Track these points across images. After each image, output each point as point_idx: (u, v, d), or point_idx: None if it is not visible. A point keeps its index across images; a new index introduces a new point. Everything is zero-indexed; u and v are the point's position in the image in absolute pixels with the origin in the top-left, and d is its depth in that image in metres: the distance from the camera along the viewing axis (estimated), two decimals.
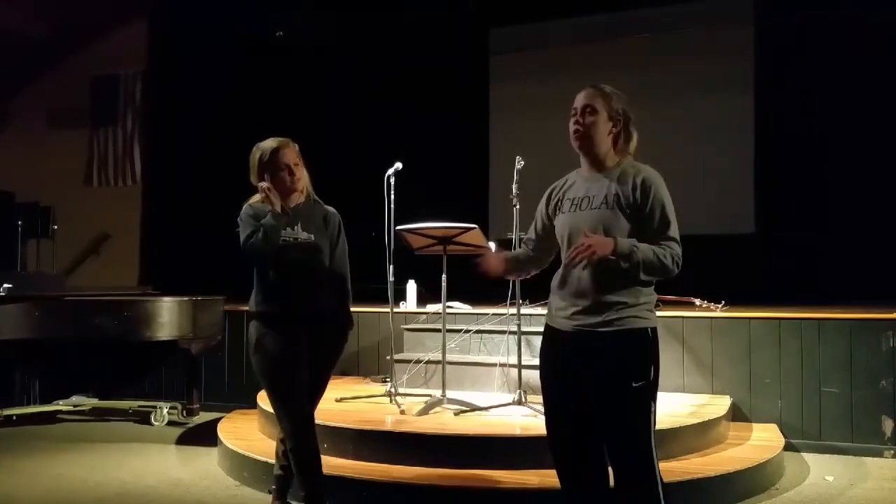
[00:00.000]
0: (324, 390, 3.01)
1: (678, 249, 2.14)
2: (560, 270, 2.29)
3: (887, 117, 6.02)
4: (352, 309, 3.05)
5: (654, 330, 2.19)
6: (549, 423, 2.30)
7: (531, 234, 2.45)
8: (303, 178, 2.88)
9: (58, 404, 5.39)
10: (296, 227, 2.84)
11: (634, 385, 2.11)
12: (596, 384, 2.16)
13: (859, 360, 4.25)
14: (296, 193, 2.87)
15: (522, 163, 3.93)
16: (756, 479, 3.52)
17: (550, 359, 2.30)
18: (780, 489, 3.57)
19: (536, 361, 4.59)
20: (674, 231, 2.16)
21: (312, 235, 2.85)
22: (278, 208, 2.75)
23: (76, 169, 8.27)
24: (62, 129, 8.37)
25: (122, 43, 8.14)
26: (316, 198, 2.99)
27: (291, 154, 2.84)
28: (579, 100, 2.26)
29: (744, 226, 6.59)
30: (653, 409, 2.15)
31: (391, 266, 4.25)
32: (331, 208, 2.99)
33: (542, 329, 4.82)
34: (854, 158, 6.11)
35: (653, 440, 2.14)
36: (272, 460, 3.47)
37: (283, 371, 2.84)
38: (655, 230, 2.15)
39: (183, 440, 4.74)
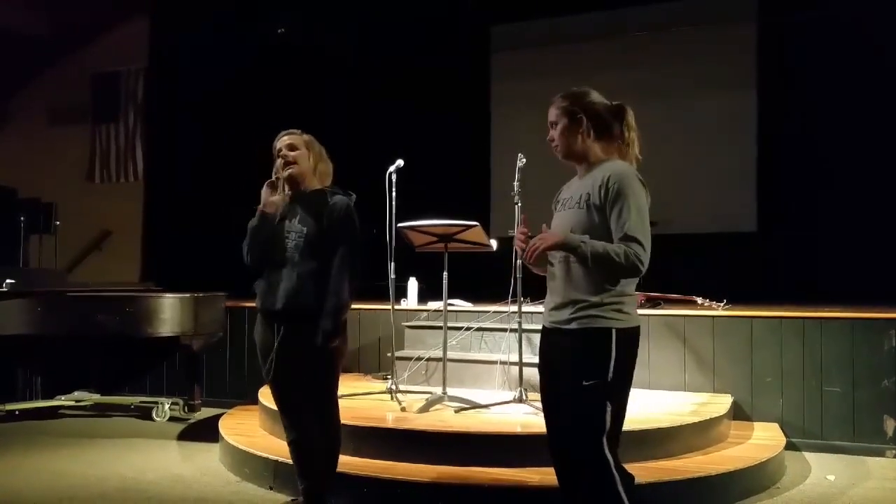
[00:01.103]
0: (315, 392, 2.80)
1: (637, 248, 2.08)
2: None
3: (889, 117, 6.00)
4: (350, 307, 2.78)
5: (623, 331, 2.15)
6: (545, 419, 2.33)
7: None
8: (299, 162, 2.78)
9: (60, 399, 5.39)
10: (293, 220, 2.77)
11: (585, 383, 2.11)
12: (553, 379, 2.23)
13: (861, 360, 4.25)
14: (299, 179, 2.80)
15: (524, 160, 3.92)
16: (757, 478, 3.52)
17: (540, 355, 2.36)
18: (782, 488, 3.57)
19: (537, 359, 4.61)
20: (633, 229, 2.10)
21: (305, 228, 2.74)
22: (268, 209, 2.75)
23: (78, 165, 8.29)
24: (64, 125, 8.39)
25: (123, 40, 8.16)
26: (331, 188, 2.86)
27: (285, 140, 2.81)
28: (548, 115, 2.34)
29: (746, 224, 6.58)
30: (606, 409, 2.12)
31: (392, 263, 4.25)
32: (340, 198, 2.79)
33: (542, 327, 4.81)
34: (856, 157, 6.09)
35: (603, 440, 2.12)
36: (273, 456, 3.49)
37: (263, 363, 2.85)
38: (616, 227, 2.13)
39: (184, 436, 4.75)
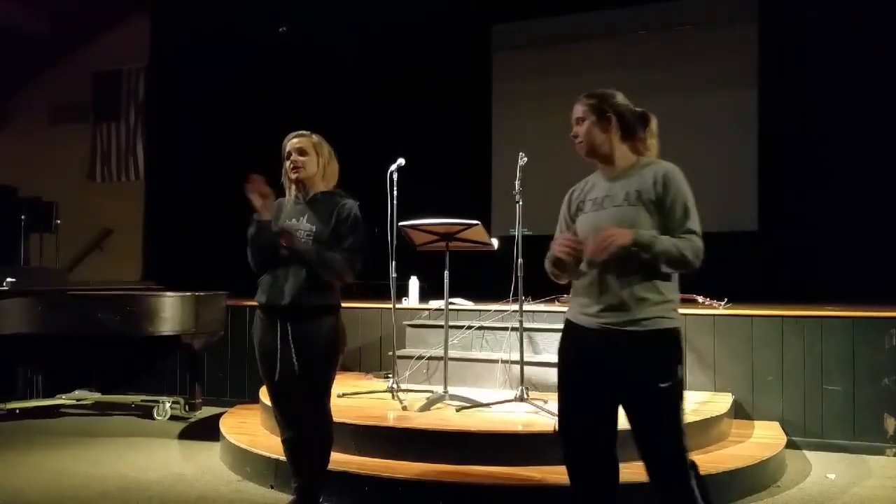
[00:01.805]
0: (313, 387, 2.84)
1: (699, 242, 2.14)
2: (584, 268, 2.28)
3: (889, 117, 6.01)
4: (342, 304, 2.89)
5: (679, 330, 2.20)
6: (564, 417, 2.30)
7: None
8: (307, 167, 2.83)
9: (60, 398, 5.40)
10: (301, 219, 2.83)
11: (661, 385, 2.12)
12: (623, 383, 2.17)
13: (862, 358, 4.25)
14: (307, 182, 2.86)
15: (525, 159, 3.93)
16: (758, 476, 3.52)
17: (572, 355, 2.29)
18: (782, 487, 3.57)
19: (538, 358, 4.62)
20: (694, 224, 2.16)
21: (314, 227, 2.80)
22: (265, 215, 2.76)
23: (79, 164, 8.30)
24: (65, 124, 8.40)
25: (124, 38, 8.16)
26: (339, 191, 2.93)
27: (296, 143, 2.86)
28: (573, 112, 2.33)
29: (746, 224, 6.58)
30: (681, 407, 2.17)
31: (393, 262, 4.26)
32: (348, 201, 2.87)
33: (543, 326, 4.81)
34: (857, 157, 6.09)
35: (683, 438, 2.15)
36: (274, 455, 3.50)
37: (261, 361, 2.88)
38: (676, 223, 2.16)
39: (185, 435, 4.76)
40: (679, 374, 2.14)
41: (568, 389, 2.30)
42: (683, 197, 2.17)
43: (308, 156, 2.85)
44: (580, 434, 2.27)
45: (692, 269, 2.15)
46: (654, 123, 2.34)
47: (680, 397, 2.17)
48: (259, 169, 3.07)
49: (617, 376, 2.17)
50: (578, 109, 2.32)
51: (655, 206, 2.17)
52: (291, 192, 2.92)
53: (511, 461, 3.33)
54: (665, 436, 2.15)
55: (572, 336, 2.30)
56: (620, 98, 2.32)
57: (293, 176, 2.85)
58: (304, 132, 2.91)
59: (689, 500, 2.13)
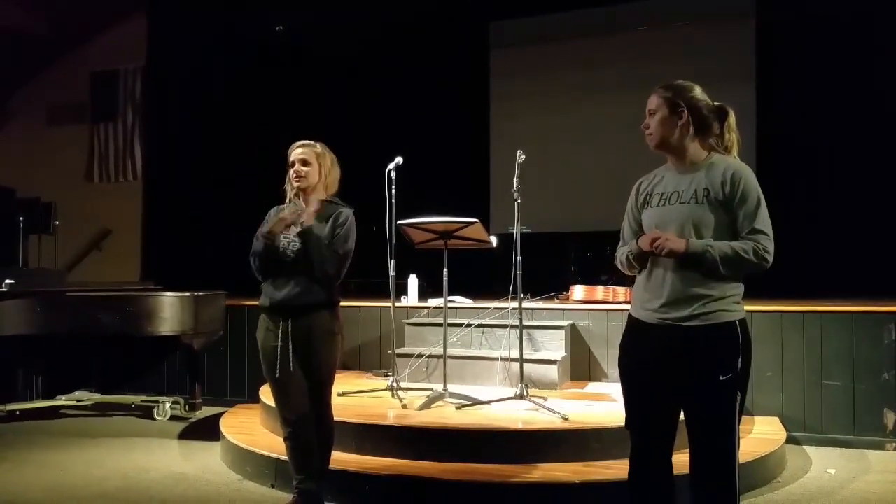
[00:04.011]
0: (315, 382, 2.91)
1: (765, 242, 2.12)
2: (647, 265, 2.27)
3: (888, 114, 6.01)
4: (341, 303, 2.98)
5: (743, 322, 2.18)
6: (629, 410, 2.31)
7: (626, 232, 2.40)
8: (310, 177, 2.92)
9: (60, 399, 5.40)
10: (300, 226, 2.90)
11: (721, 378, 2.11)
12: (683, 377, 2.16)
13: (861, 353, 4.25)
14: (308, 191, 2.93)
15: (524, 157, 3.93)
16: (758, 472, 3.53)
17: (634, 349, 2.29)
18: (782, 482, 3.58)
19: (538, 355, 4.61)
20: (761, 223, 2.14)
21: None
22: (276, 229, 2.83)
23: (77, 165, 8.29)
24: (63, 124, 8.39)
25: (121, 38, 8.16)
26: (336, 200, 3.01)
27: (299, 153, 2.94)
28: (648, 102, 2.29)
29: None
30: (738, 400, 2.16)
31: (392, 260, 4.26)
32: (345, 209, 2.98)
33: (542, 323, 4.81)
34: (855, 153, 6.10)
35: (736, 433, 2.15)
36: (274, 455, 3.50)
37: (263, 360, 2.94)
38: (743, 223, 2.14)
39: (185, 435, 4.76)
40: (739, 367, 2.13)
41: (631, 383, 2.30)
42: (751, 197, 2.15)
43: (311, 166, 2.94)
44: (645, 425, 2.28)
45: (759, 269, 2.12)
46: (731, 118, 2.31)
47: (740, 389, 2.15)
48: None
49: (677, 370, 2.16)
50: (653, 100, 2.27)
51: (723, 206, 2.15)
52: (291, 199, 2.99)
53: (511, 459, 3.34)
54: (718, 428, 2.15)
55: (634, 331, 2.29)
56: (697, 92, 2.28)
57: (296, 185, 2.93)
58: (309, 142, 2.99)
59: (731, 500, 2.16)
